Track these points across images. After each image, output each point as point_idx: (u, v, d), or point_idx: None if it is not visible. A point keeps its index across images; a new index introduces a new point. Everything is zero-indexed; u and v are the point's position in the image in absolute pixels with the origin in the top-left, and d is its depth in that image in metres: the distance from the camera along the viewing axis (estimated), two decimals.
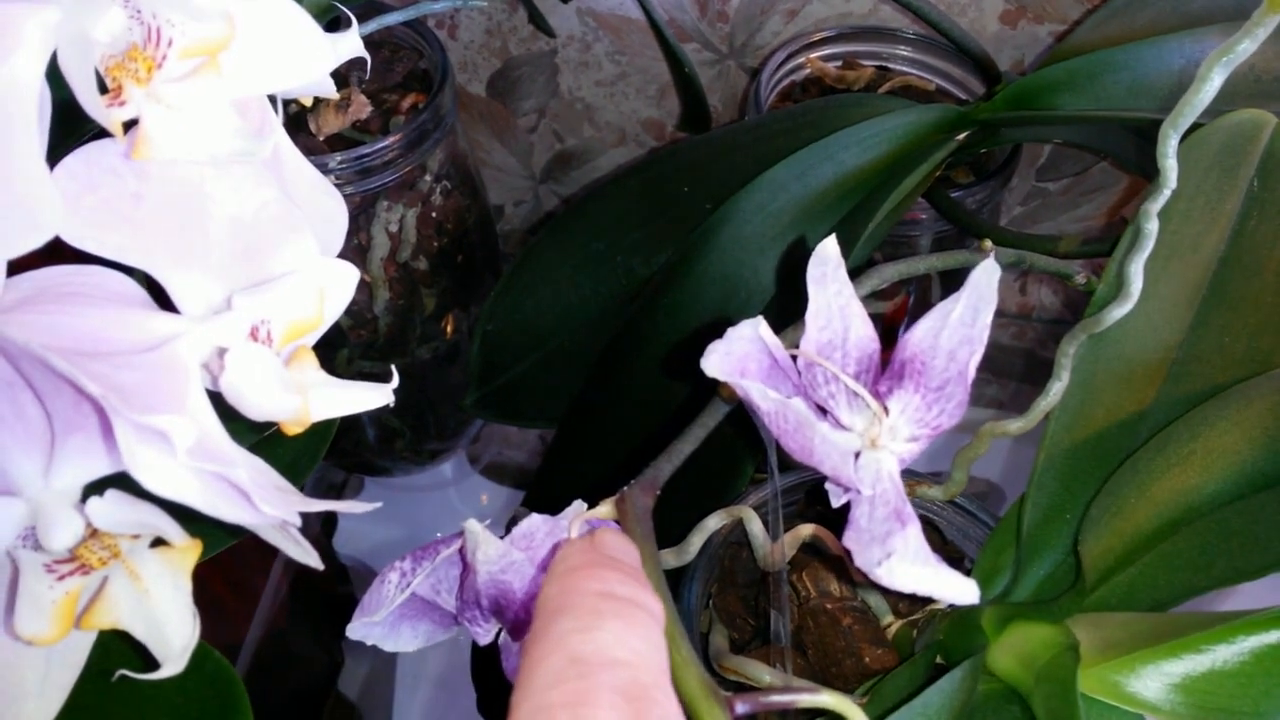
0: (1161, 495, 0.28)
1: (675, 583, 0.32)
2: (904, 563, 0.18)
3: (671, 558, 0.32)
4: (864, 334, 0.21)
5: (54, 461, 0.17)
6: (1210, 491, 0.28)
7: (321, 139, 0.43)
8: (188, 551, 0.18)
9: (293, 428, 0.19)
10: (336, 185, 0.42)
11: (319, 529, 0.69)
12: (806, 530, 0.32)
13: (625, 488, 0.22)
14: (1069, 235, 0.38)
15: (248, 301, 0.19)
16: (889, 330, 0.49)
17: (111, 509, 0.17)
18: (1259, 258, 0.31)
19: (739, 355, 0.20)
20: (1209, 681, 0.24)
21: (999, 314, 0.67)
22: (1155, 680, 0.24)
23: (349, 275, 0.23)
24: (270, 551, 0.71)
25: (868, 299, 0.46)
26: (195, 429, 0.15)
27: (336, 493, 0.72)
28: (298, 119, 0.44)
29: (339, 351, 0.49)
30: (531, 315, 0.42)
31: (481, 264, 0.51)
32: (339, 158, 0.41)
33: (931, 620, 0.30)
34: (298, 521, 0.18)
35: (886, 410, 0.20)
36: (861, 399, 0.20)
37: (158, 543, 0.18)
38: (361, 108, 0.43)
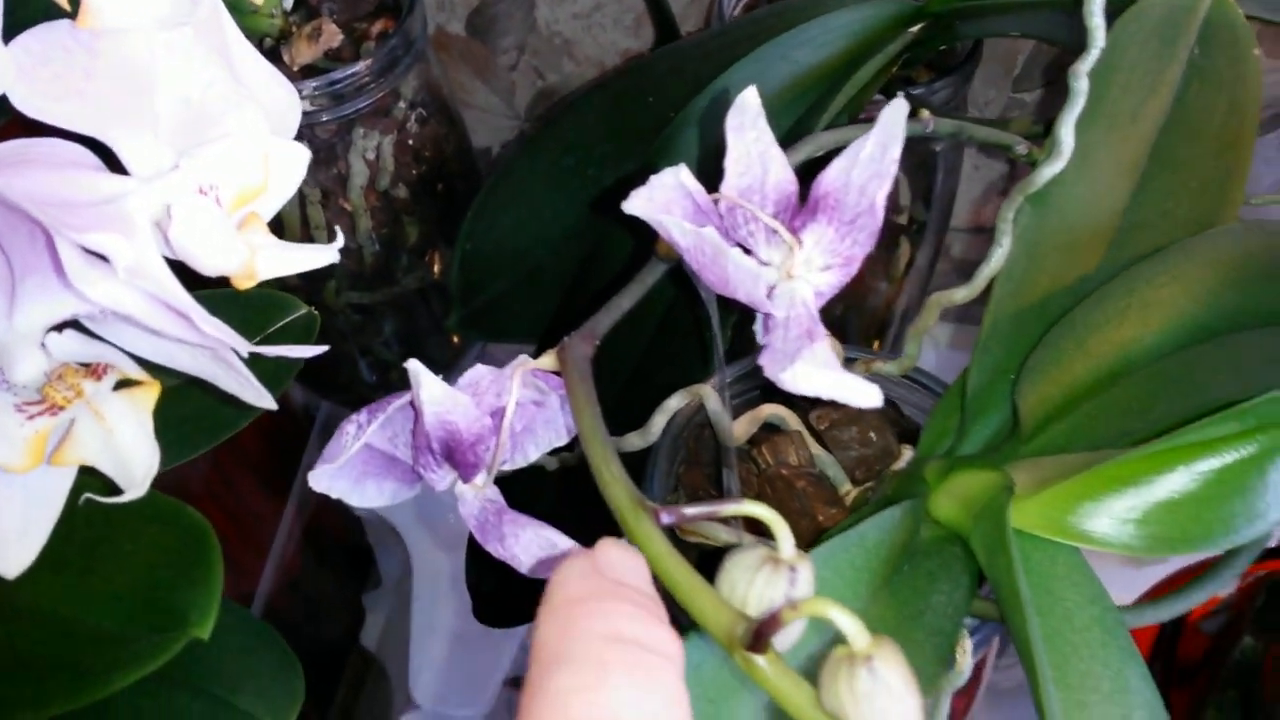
0: (1099, 347, 0.29)
1: (641, 464, 0.33)
2: (808, 366, 0.19)
3: (637, 439, 0.33)
4: (782, 177, 0.22)
5: (15, 303, 0.18)
6: (1148, 343, 0.29)
7: (295, 69, 0.44)
8: (148, 390, 0.20)
9: (243, 282, 0.21)
10: (312, 112, 0.44)
11: None
12: (767, 409, 0.34)
13: (565, 338, 0.23)
14: (1019, 118, 0.39)
15: (193, 161, 0.20)
16: None
17: (69, 342, 0.18)
18: (1200, 123, 0.32)
19: (661, 201, 0.21)
20: (1152, 511, 0.25)
21: (979, 231, 0.68)
22: (1091, 512, 0.25)
23: (299, 153, 0.24)
24: (280, 499, 0.72)
25: None
26: (134, 250, 0.16)
27: None
28: (272, 52, 0.45)
29: (326, 283, 0.50)
30: (508, 233, 0.44)
31: (463, 195, 0.52)
32: (312, 84, 0.42)
33: (883, 483, 0.31)
34: (243, 352, 0.19)
35: (800, 243, 0.21)
36: (779, 235, 0.21)
37: (121, 387, 0.20)
38: (332, 36, 0.44)
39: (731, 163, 0.21)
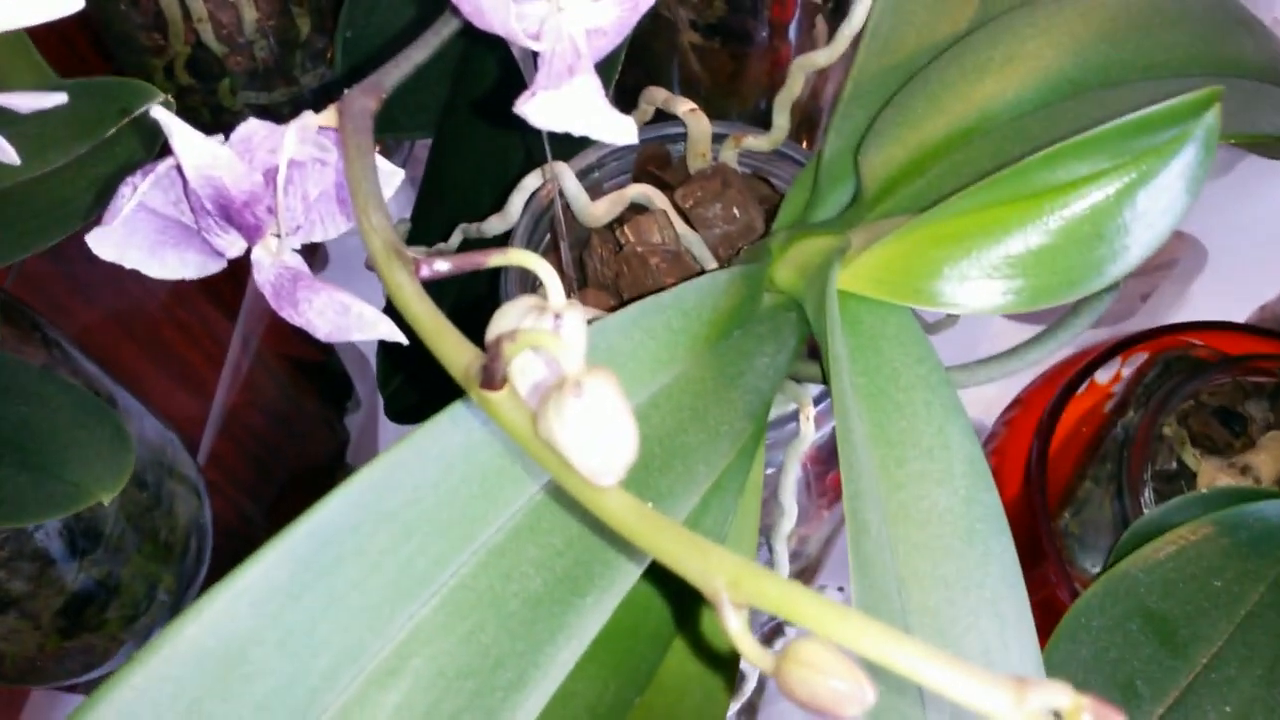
0: (954, 105, 0.27)
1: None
2: (552, 98, 0.18)
3: (497, 221, 0.32)
4: None
5: None
6: (1009, 99, 0.27)
7: None
8: None
9: None
10: None
11: None
12: (632, 190, 0.33)
13: (346, 90, 0.22)
14: None
15: None
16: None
17: None
18: None
19: None
20: (1003, 267, 0.24)
21: None
22: (931, 271, 0.25)
23: None
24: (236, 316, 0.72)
25: None
26: None
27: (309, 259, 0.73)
28: None
29: (220, 82, 0.48)
30: (388, 15, 0.41)
31: None
32: None
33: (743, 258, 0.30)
34: None
35: None
36: None
37: None
38: None
39: None
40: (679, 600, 0.27)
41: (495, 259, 0.19)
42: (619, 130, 0.18)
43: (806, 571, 0.38)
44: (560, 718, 0.27)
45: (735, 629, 0.14)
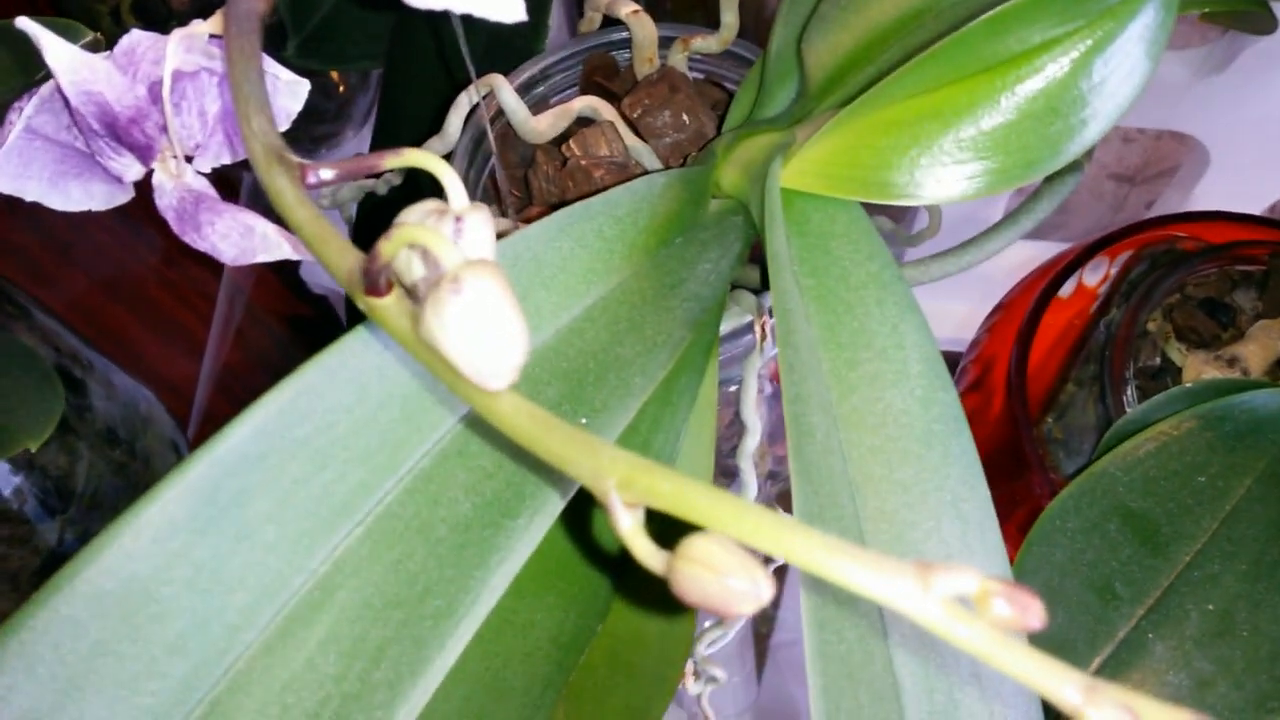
0: None
1: None
2: None
3: (437, 143, 0.31)
4: None
5: None
6: None
7: None
8: None
9: None
10: None
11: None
12: (577, 103, 0.31)
13: None
14: None
15: None
16: None
17: None
18: None
19: None
20: (955, 150, 0.23)
21: None
22: (876, 161, 0.23)
23: None
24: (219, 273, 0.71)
25: None
26: None
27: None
28: None
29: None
30: None
31: None
32: None
33: None
34: None
35: None
36: None
37: None
38: None
39: None
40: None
41: (390, 160, 0.18)
42: (501, 5, 0.16)
43: (789, 494, 0.37)
44: (522, 649, 0.26)
45: (626, 529, 0.13)
